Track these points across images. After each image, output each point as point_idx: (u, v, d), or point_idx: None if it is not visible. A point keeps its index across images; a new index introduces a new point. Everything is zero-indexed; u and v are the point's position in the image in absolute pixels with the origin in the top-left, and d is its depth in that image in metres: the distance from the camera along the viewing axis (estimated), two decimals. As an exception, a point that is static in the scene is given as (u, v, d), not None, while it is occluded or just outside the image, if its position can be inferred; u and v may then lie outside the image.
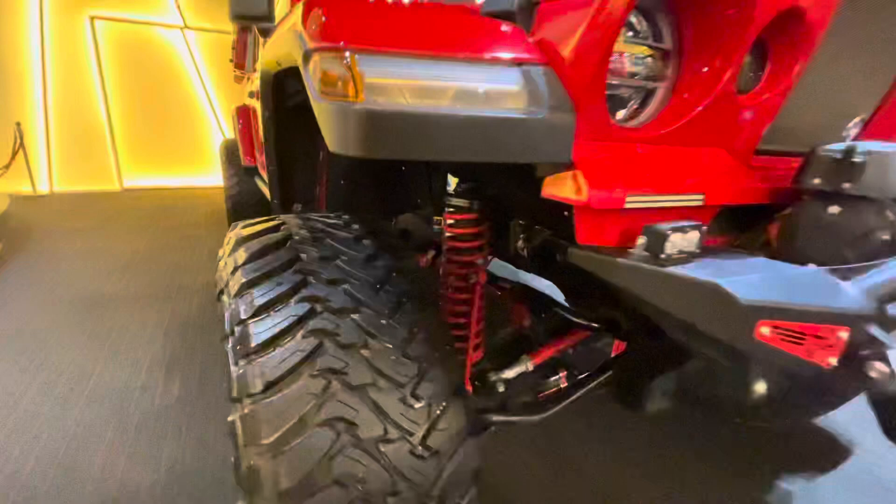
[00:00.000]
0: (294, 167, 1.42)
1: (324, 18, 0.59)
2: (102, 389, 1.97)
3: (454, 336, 0.92)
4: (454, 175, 1.06)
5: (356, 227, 0.92)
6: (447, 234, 1.10)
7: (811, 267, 0.62)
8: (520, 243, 0.95)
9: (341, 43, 0.56)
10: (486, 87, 0.58)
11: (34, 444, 1.63)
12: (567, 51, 0.61)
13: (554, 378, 1.23)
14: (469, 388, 1.16)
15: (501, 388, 1.20)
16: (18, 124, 5.76)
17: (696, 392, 2.01)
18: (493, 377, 1.19)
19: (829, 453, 1.83)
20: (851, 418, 2.02)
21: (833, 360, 0.57)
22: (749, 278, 0.57)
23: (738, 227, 0.83)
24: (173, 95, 6.52)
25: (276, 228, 0.88)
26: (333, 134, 0.57)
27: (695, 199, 0.69)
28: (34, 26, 5.65)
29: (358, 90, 0.54)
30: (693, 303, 0.58)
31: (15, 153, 5.79)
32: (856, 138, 0.99)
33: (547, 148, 0.62)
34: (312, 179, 1.63)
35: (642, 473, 1.64)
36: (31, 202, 5.51)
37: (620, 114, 0.74)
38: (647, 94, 0.74)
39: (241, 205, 3.66)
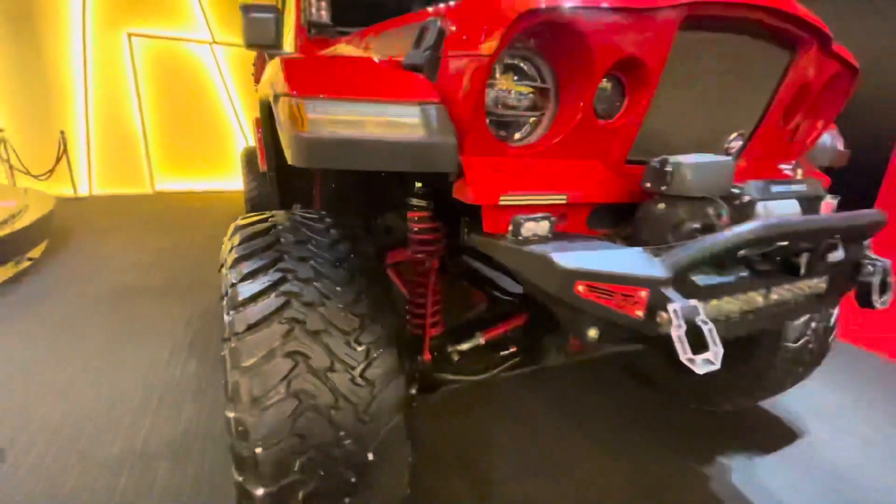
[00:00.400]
0: (292, 174, 1.69)
1: (283, 73, 0.85)
2: (131, 365, 2.28)
3: (393, 300, 1.16)
4: (418, 181, 1.30)
5: (328, 220, 1.18)
6: (411, 230, 1.35)
7: (636, 248, 0.85)
8: (465, 237, 1.20)
9: (294, 92, 0.81)
10: (392, 119, 0.83)
11: (73, 406, 1.95)
12: (453, 94, 0.85)
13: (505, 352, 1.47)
14: (428, 356, 1.41)
15: (456, 358, 1.44)
16: (62, 132, 6.30)
17: (655, 379, 2.21)
18: (449, 349, 1.43)
19: (779, 437, 1.98)
20: (806, 407, 2.18)
21: (640, 313, 0.79)
22: (578, 253, 0.80)
23: (619, 221, 1.05)
24: (202, 105, 6.99)
25: (264, 220, 1.15)
26: (289, 151, 0.83)
27: (559, 199, 0.92)
28: (77, 42, 6.19)
29: (303, 124, 0.80)
30: (537, 269, 0.81)
31: (59, 159, 6.33)
32: (739, 150, 1.21)
33: (436, 162, 0.86)
34: (309, 184, 1.92)
35: (598, 447, 1.84)
36: (72, 204, 6.02)
37: (518, 134, 0.98)
38: (538, 119, 0.98)
39: (259, 206, 3.99)
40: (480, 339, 1.45)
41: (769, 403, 2.16)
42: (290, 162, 0.83)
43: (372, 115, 0.82)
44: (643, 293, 0.78)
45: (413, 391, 1.38)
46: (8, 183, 6.20)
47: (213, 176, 7.17)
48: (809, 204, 0.99)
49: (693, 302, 0.76)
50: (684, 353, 0.73)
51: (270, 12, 1.93)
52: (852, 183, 2.93)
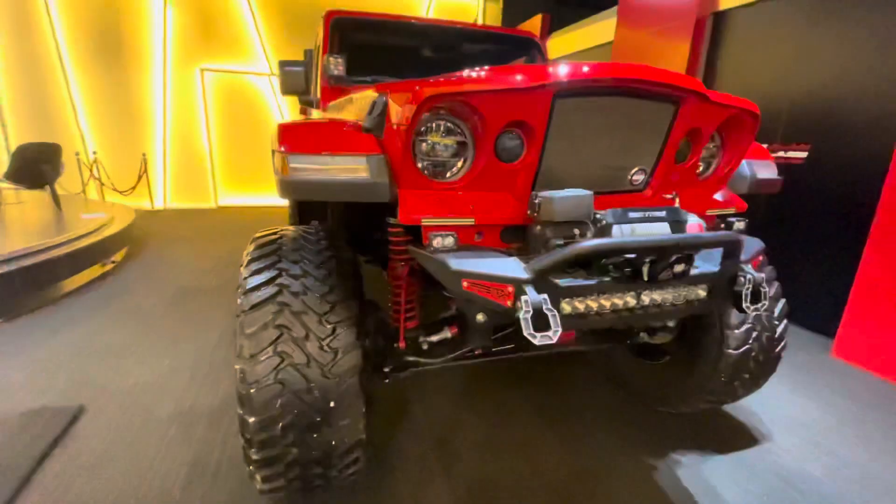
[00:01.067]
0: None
1: (278, 135, 1.26)
2: (186, 347, 2.81)
3: (360, 292, 1.52)
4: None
5: (319, 234, 1.57)
6: (389, 242, 1.72)
7: (513, 257, 1.17)
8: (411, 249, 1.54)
9: (282, 148, 1.22)
10: (346, 167, 1.20)
11: (140, 375, 2.47)
12: (392, 148, 1.22)
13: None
14: (402, 344, 1.76)
15: (425, 347, 1.78)
16: (144, 154, 7.32)
17: (626, 381, 2.42)
18: (420, 339, 1.77)
19: (740, 441, 2.12)
20: (783, 417, 2.31)
21: (508, 303, 1.11)
22: (466, 260, 1.13)
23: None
24: (259, 130, 7.84)
25: (274, 233, 1.56)
26: (278, 188, 1.23)
27: (468, 221, 1.25)
28: (158, 77, 7.21)
29: (286, 170, 1.20)
30: (440, 271, 1.15)
31: (140, 177, 7.34)
32: (644, 182, 1.49)
33: (376, 194, 1.22)
34: (323, 206, 2.35)
35: (555, 434, 2.10)
36: (149, 215, 6.96)
37: (449, 173, 1.33)
38: (461, 163, 1.32)
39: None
40: (448, 333, 1.77)
41: (744, 411, 2.32)
42: (279, 196, 1.23)
43: (333, 164, 1.21)
44: (510, 288, 1.10)
45: (387, 370, 1.74)
46: (99, 198, 7.26)
47: (267, 193, 7.96)
48: (676, 225, 1.26)
49: (543, 296, 1.07)
50: (527, 329, 1.04)
51: (300, 67, 2.42)
52: (852, 192, 2.98)
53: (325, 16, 2.66)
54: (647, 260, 1.16)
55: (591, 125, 1.32)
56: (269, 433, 1.24)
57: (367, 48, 2.84)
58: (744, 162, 1.70)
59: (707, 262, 1.34)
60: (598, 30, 5.64)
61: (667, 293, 1.27)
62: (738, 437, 2.15)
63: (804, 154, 3.39)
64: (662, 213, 1.24)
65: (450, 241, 1.22)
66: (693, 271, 1.29)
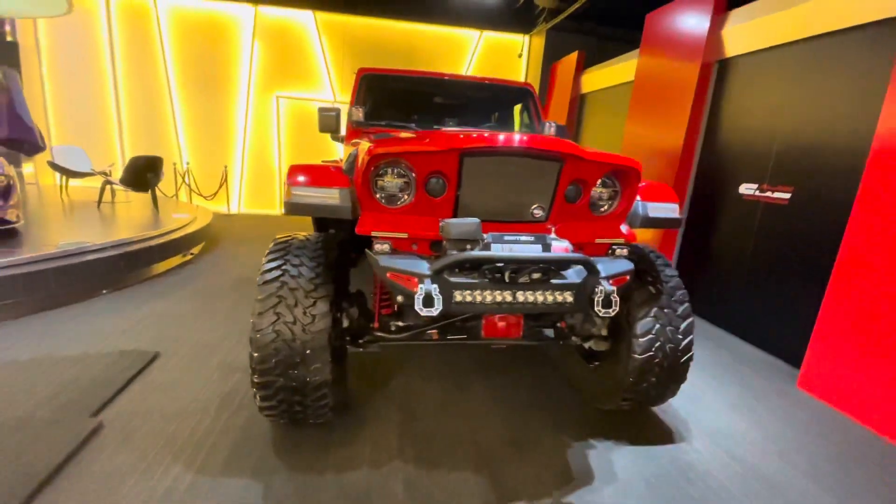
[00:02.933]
0: None
1: (288, 173, 1.95)
2: (238, 319, 3.61)
3: (340, 282, 2.16)
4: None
5: (318, 240, 2.24)
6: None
7: (424, 260, 1.76)
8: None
9: (288, 181, 1.90)
10: (326, 195, 1.86)
11: (202, 336, 3.28)
12: (357, 185, 1.85)
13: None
14: (377, 325, 2.37)
15: (393, 329, 2.38)
16: (225, 167, 8.65)
17: (571, 378, 2.86)
18: (391, 323, 2.38)
19: (653, 436, 2.46)
20: (724, 428, 2.64)
21: (415, 289, 1.69)
22: (394, 260, 1.73)
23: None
24: (321, 149, 8.93)
25: (288, 237, 2.25)
26: (284, 207, 1.92)
27: (402, 235, 1.84)
28: (242, 103, 8.54)
29: (289, 195, 1.88)
30: (376, 266, 1.76)
31: (221, 185, 8.66)
32: (544, 216, 2.00)
33: (343, 214, 1.87)
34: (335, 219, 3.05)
35: (500, 410, 2.60)
36: (225, 218, 8.21)
37: (399, 202, 1.94)
38: (406, 196, 1.93)
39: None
40: (411, 320, 2.37)
41: (676, 417, 2.68)
42: (284, 212, 1.92)
43: (318, 193, 1.88)
44: (415, 280, 1.69)
45: (361, 341, 2.36)
46: (187, 201, 8.64)
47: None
48: (545, 247, 1.77)
49: (434, 286, 1.64)
50: (417, 305, 1.61)
51: (334, 112, 3.17)
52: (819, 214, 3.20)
53: (357, 72, 3.41)
54: (509, 269, 1.70)
55: (495, 174, 1.87)
56: (265, 365, 1.90)
57: (392, 96, 3.56)
58: (640, 203, 2.16)
59: (576, 276, 1.84)
60: (623, 69, 6.04)
61: (537, 294, 1.79)
62: (657, 435, 2.50)
63: (788, 195, 3.63)
64: (532, 238, 1.77)
65: (386, 247, 1.83)
66: (561, 280, 1.80)
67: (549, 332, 2.49)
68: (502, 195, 1.93)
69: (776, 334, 3.67)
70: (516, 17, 8.47)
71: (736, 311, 4.09)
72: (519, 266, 1.72)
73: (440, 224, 1.77)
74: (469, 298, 1.74)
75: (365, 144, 1.90)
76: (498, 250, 1.75)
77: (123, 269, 4.34)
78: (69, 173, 6.97)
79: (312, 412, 2.09)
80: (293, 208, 1.92)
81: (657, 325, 2.23)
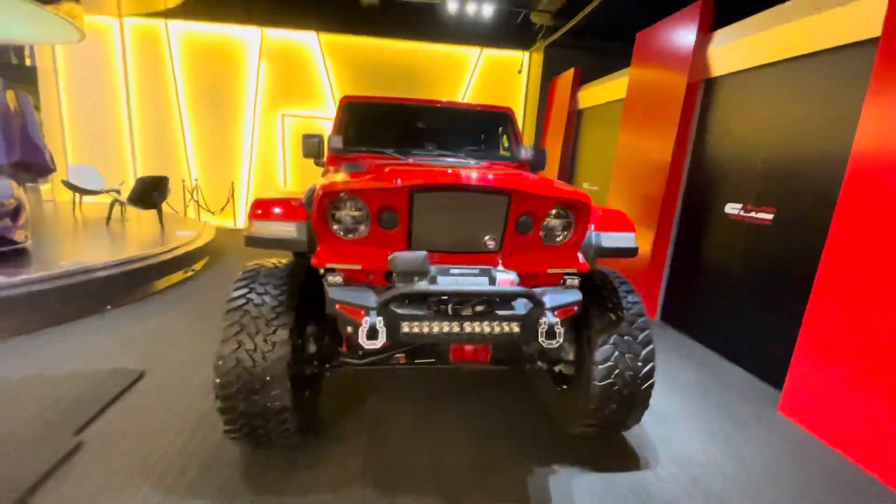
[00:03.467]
0: None
1: (250, 207, 2.05)
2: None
3: (308, 308, 2.23)
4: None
5: (286, 268, 2.32)
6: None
7: (371, 291, 1.82)
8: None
9: (250, 215, 2.00)
10: (285, 229, 1.95)
11: (192, 353, 3.39)
12: (315, 218, 1.93)
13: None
14: (344, 348, 2.45)
15: (360, 353, 2.45)
16: (232, 183, 8.89)
17: (544, 405, 2.88)
18: (363, 343, 2.44)
19: (617, 463, 2.47)
20: (668, 449, 2.63)
21: (361, 321, 1.75)
22: (348, 293, 1.80)
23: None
24: (324, 164, 9.14)
25: (257, 265, 2.34)
26: (245, 241, 2.02)
27: (356, 267, 1.91)
28: (248, 121, 8.80)
29: (251, 229, 1.98)
30: (326, 297, 1.84)
31: (228, 201, 8.90)
32: (496, 247, 2.05)
33: (300, 247, 1.95)
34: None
35: (466, 434, 2.63)
36: (231, 233, 8.42)
37: (356, 234, 2.02)
38: (362, 228, 2.00)
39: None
40: (377, 344, 2.43)
41: (646, 442, 2.68)
42: (245, 245, 2.02)
43: (276, 227, 1.97)
44: (362, 311, 1.76)
45: (328, 365, 2.43)
46: (196, 216, 8.90)
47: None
48: (490, 280, 1.83)
49: (378, 318, 1.71)
50: (361, 338, 1.67)
51: (317, 138, 3.28)
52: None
53: (340, 99, 3.54)
54: (452, 302, 1.76)
55: (446, 208, 1.93)
56: (227, 391, 1.98)
57: (374, 122, 3.66)
58: (593, 233, 2.20)
59: (523, 307, 1.89)
60: (616, 86, 6.08)
61: (485, 325, 1.84)
62: (623, 461, 2.50)
63: (770, 216, 3.60)
64: (477, 271, 1.82)
65: (339, 279, 1.90)
66: (508, 312, 1.85)
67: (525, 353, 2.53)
68: (454, 228, 1.99)
69: (761, 356, 3.63)
70: (516, 35, 8.58)
71: (723, 332, 4.06)
72: (462, 299, 1.77)
73: (389, 257, 1.84)
74: (417, 329, 1.80)
75: (327, 179, 1.99)
76: (445, 283, 1.81)
77: (124, 287, 4.51)
78: (82, 191, 7.27)
79: (276, 436, 2.16)
80: (253, 241, 2.02)
81: (616, 353, 2.25)
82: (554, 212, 2.11)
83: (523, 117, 9.30)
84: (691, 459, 2.56)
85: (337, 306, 1.81)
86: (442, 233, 1.99)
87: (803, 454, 2.68)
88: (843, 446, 2.69)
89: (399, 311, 1.79)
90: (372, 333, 1.70)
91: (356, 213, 1.98)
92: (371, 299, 1.80)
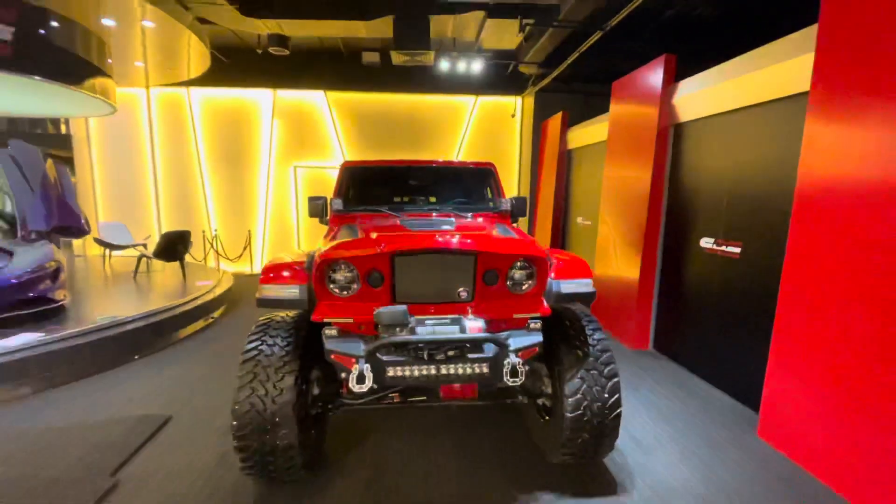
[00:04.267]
0: None
1: (261, 272, 2.45)
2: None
3: (312, 355, 2.57)
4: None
5: (293, 321, 2.68)
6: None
7: (361, 342, 2.17)
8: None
9: (261, 280, 2.39)
10: (289, 291, 2.33)
11: (212, 399, 3.74)
12: (314, 281, 2.30)
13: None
14: (345, 390, 2.77)
15: (356, 393, 2.77)
16: (249, 231, 9.47)
17: (531, 433, 3.12)
18: (353, 387, 2.77)
19: (597, 488, 2.68)
20: (647, 476, 2.84)
21: (353, 367, 2.08)
22: (340, 344, 2.16)
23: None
24: (333, 209, 9.70)
25: (268, 319, 2.71)
26: (257, 303, 2.41)
27: (349, 320, 2.26)
28: (263, 174, 9.46)
29: (260, 292, 2.36)
30: (324, 348, 2.19)
31: (245, 248, 9.45)
32: (468, 297, 2.40)
33: (302, 306, 2.32)
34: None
35: (457, 465, 2.89)
36: (247, 279, 8.91)
37: (346, 292, 2.38)
38: (355, 287, 2.37)
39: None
40: (373, 385, 2.76)
41: (625, 470, 2.90)
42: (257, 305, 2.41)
43: (284, 290, 2.35)
44: (353, 359, 2.10)
45: (330, 406, 2.75)
46: (215, 264, 9.45)
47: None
48: (461, 327, 2.16)
49: (366, 365, 2.04)
50: (351, 383, 2.00)
51: (321, 200, 3.72)
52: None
53: (341, 165, 4.01)
54: (428, 349, 2.09)
55: (423, 267, 2.30)
56: (242, 431, 2.31)
57: (372, 183, 4.10)
58: (553, 281, 2.53)
59: (491, 350, 2.21)
60: (599, 129, 6.51)
61: (458, 367, 2.16)
62: (600, 487, 2.72)
63: (738, 249, 3.89)
64: (447, 320, 2.16)
65: (334, 331, 2.26)
66: (478, 355, 2.17)
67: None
68: (431, 283, 2.35)
69: (743, 381, 3.82)
70: (508, 81, 9.19)
71: (708, 359, 4.26)
72: (437, 346, 2.11)
73: (374, 312, 2.19)
74: (400, 373, 2.13)
75: (327, 241, 2.39)
76: (422, 332, 2.15)
77: (150, 337, 4.93)
78: (112, 247, 7.87)
79: (284, 471, 2.46)
80: (262, 303, 2.40)
81: (584, 386, 2.52)
82: (519, 264, 2.46)
83: (519, 158, 9.80)
84: (665, 483, 2.77)
85: (332, 355, 2.15)
86: (421, 287, 2.35)
87: (775, 475, 2.86)
88: (813, 467, 2.86)
89: (384, 357, 2.13)
90: (360, 378, 2.04)
91: (349, 275, 2.36)
92: (360, 348, 2.15)
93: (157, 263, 7.97)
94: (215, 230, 9.55)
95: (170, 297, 5.90)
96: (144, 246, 7.69)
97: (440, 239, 2.26)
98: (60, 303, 4.95)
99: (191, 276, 7.26)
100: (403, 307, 2.16)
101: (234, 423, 2.31)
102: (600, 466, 2.92)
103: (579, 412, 2.50)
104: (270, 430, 2.32)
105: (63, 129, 9.57)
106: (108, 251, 8.13)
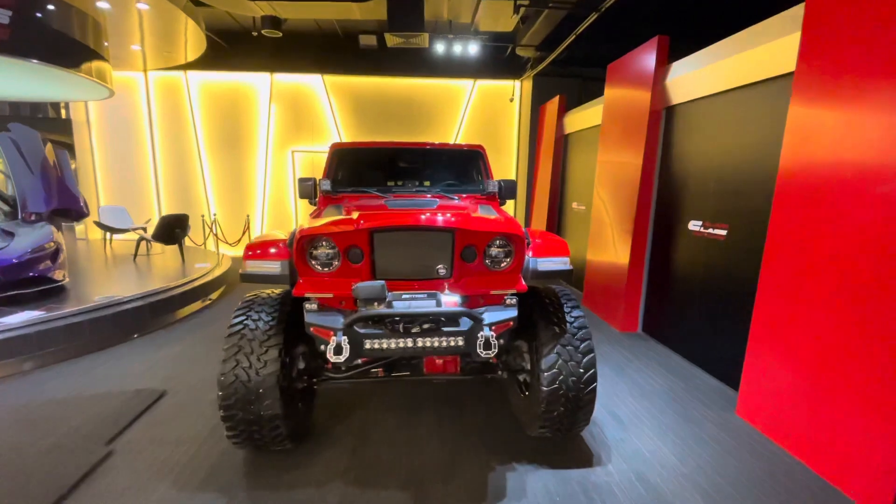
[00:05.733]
0: None
1: (245, 250, 2.51)
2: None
3: (290, 333, 2.66)
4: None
5: (278, 297, 2.76)
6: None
7: (340, 315, 2.24)
8: None
9: (244, 257, 2.46)
10: (271, 266, 2.40)
11: (206, 375, 3.85)
12: (296, 256, 2.38)
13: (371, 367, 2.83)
14: (329, 366, 2.86)
15: (343, 369, 2.86)
16: (248, 216, 9.54)
17: (512, 407, 3.21)
18: (331, 357, 2.84)
19: (573, 461, 2.77)
20: (624, 449, 2.93)
21: (331, 339, 2.16)
22: (320, 317, 2.23)
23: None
24: (332, 194, 9.75)
25: (254, 295, 2.79)
26: (241, 278, 2.47)
27: (328, 295, 2.33)
28: (261, 158, 9.50)
29: (245, 268, 2.44)
30: (306, 321, 2.26)
31: (244, 233, 9.54)
32: (447, 274, 2.46)
33: (283, 281, 2.38)
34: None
35: (440, 435, 2.99)
36: (246, 263, 9.01)
37: (330, 268, 2.45)
38: (336, 263, 2.43)
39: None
40: (359, 360, 2.84)
41: (603, 444, 2.98)
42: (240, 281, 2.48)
43: (264, 265, 2.42)
44: (331, 331, 2.17)
45: (315, 380, 2.84)
46: (215, 249, 9.55)
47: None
48: (437, 302, 2.23)
49: (344, 337, 2.12)
50: (328, 353, 2.08)
51: (310, 181, 3.77)
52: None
53: (330, 146, 4.05)
54: (403, 322, 2.16)
55: (402, 244, 2.36)
56: (227, 402, 2.40)
57: (361, 165, 4.15)
58: (531, 259, 2.58)
59: (466, 324, 2.27)
60: (594, 113, 6.49)
61: (434, 340, 2.23)
62: (577, 459, 2.80)
63: (724, 232, 3.92)
64: (424, 295, 2.23)
65: (314, 305, 2.34)
66: (453, 328, 2.24)
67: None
68: (410, 259, 2.41)
69: (725, 362, 3.89)
70: (506, 65, 9.12)
71: (694, 340, 4.32)
72: (412, 319, 2.18)
73: (352, 287, 2.26)
74: (377, 345, 2.21)
75: (311, 221, 2.46)
76: (399, 306, 2.22)
77: (149, 317, 5.05)
78: (112, 230, 7.98)
79: (270, 440, 2.57)
80: (246, 278, 2.47)
81: (560, 361, 2.59)
82: (497, 242, 2.51)
83: (517, 143, 9.77)
84: (640, 456, 2.86)
85: (312, 329, 2.23)
86: (400, 264, 2.41)
87: (749, 451, 2.94)
88: (790, 444, 2.94)
89: (361, 330, 2.20)
90: (337, 350, 2.12)
91: (329, 251, 2.42)
92: (339, 321, 2.22)
93: (158, 247, 8.07)
94: (214, 214, 9.63)
95: (168, 279, 6.01)
96: (144, 230, 7.79)
97: (418, 216, 2.31)
98: (60, 282, 5.06)
99: (190, 260, 7.37)
100: (381, 282, 2.22)
101: (220, 393, 2.40)
102: (578, 440, 3.01)
103: (555, 386, 2.57)
104: (255, 401, 2.41)
105: (63, 113, 9.62)
106: (109, 234, 8.24)
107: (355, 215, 2.41)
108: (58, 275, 5.04)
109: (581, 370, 2.60)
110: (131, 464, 2.70)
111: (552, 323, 2.69)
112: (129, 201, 9.28)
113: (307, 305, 2.36)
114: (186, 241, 7.67)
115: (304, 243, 2.35)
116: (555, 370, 2.58)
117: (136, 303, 4.94)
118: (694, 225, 4.31)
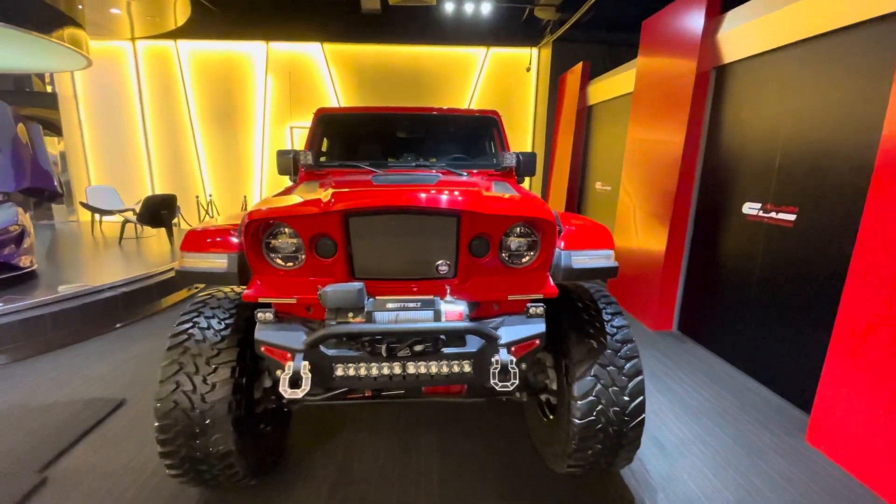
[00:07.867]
0: None
1: (183, 238, 1.91)
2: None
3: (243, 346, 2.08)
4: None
5: (229, 297, 2.18)
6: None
7: (302, 330, 1.63)
8: None
9: (181, 247, 1.86)
10: (215, 260, 1.80)
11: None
12: (247, 249, 1.78)
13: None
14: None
15: (322, 391, 2.27)
16: (245, 196, 8.99)
17: (531, 433, 2.64)
18: (284, 391, 2.24)
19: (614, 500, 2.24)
20: (669, 486, 2.34)
21: (287, 364, 1.57)
22: (269, 331, 1.63)
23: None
24: (334, 173, 9.14)
25: (208, 295, 2.21)
26: (176, 276, 1.88)
27: (291, 300, 1.74)
28: (258, 135, 8.88)
29: (181, 263, 1.84)
30: (256, 338, 1.67)
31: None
32: (449, 272, 1.83)
33: (230, 282, 1.78)
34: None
35: (438, 472, 2.42)
36: (243, 246, 8.50)
37: (291, 263, 1.84)
38: (299, 257, 1.83)
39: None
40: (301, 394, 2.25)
41: (663, 475, 2.39)
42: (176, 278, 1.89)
43: (208, 259, 1.82)
44: (288, 354, 1.58)
45: (284, 401, 2.26)
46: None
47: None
48: (435, 312, 1.61)
49: (304, 363, 1.52)
50: (282, 386, 1.49)
51: (290, 155, 3.15)
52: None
53: (315, 112, 3.40)
54: (387, 341, 1.55)
55: (389, 232, 1.73)
56: (166, 435, 1.85)
57: (351, 135, 3.50)
58: (562, 252, 1.92)
59: (474, 344, 1.66)
60: (625, 80, 5.71)
61: (431, 366, 1.62)
62: (618, 499, 2.23)
63: (793, 217, 3.21)
64: (417, 303, 1.61)
65: (269, 315, 1.74)
66: (456, 350, 1.63)
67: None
68: (401, 253, 1.78)
69: (787, 374, 3.24)
70: (523, 31, 8.28)
71: (746, 345, 3.66)
72: (399, 337, 1.57)
73: (318, 292, 1.65)
74: (353, 372, 1.61)
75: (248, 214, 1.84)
76: (382, 319, 1.61)
77: (122, 309, 4.54)
78: (100, 211, 7.49)
79: (224, 479, 2.02)
80: (182, 277, 1.87)
81: (599, 386, 1.98)
82: (518, 230, 1.87)
83: (534, 117, 8.98)
84: (695, 501, 2.25)
85: (262, 347, 1.64)
86: (386, 259, 1.79)
87: (828, 492, 2.32)
88: (876, 484, 2.31)
89: (329, 352, 1.60)
90: (294, 382, 1.52)
91: (292, 241, 1.81)
92: (299, 339, 1.62)
93: (150, 229, 7.58)
94: (210, 194, 9.10)
95: (152, 265, 5.49)
96: (134, 211, 7.28)
97: (412, 195, 1.68)
98: (26, 269, 4.56)
99: (178, 243, 6.85)
100: (358, 285, 1.62)
101: (156, 423, 1.84)
102: (614, 478, 2.42)
103: (591, 418, 1.96)
104: (200, 434, 1.85)
105: (48, 88, 9.07)
106: (98, 216, 7.76)
107: (326, 193, 1.79)
108: (23, 261, 4.54)
109: (626, 398, 1.98)
110: (65, 498, 2.19)
111: (587, 335, 2.06)
112: (121, 181, 8.77)
113: (260, 315, 1.76)
114: (181, 223, 7.17)
115: (255, 229, 1.74)
116: (592, 398, 1.96)
117: (108, 293, 4.42)
118: (751, 208, 3.60)
